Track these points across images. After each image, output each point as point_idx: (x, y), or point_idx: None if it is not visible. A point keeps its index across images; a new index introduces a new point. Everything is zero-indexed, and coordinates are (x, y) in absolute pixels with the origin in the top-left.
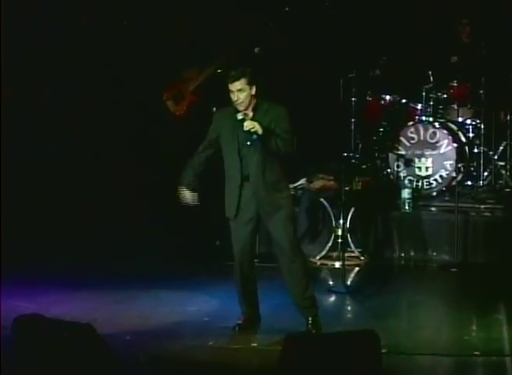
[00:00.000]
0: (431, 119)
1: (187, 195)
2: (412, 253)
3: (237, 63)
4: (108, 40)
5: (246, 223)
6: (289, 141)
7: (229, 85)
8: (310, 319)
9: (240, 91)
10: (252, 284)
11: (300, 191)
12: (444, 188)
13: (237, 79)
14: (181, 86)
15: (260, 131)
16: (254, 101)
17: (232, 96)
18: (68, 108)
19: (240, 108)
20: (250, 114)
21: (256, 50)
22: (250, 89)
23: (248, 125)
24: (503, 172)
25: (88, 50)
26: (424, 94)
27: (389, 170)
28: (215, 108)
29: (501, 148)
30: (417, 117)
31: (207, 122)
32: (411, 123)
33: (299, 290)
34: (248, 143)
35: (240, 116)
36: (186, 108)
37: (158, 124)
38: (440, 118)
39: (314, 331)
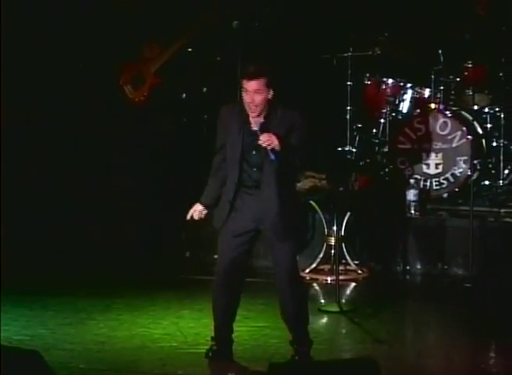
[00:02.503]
0: (441, 106)
1: (198, 211)
2: (419, 266)
3: (210, 40)
4: (51, 9)
5: (239, 236)
6: (303, 154)
7: (245, 83)
8: (297, 351)
9: (257, 93)
10: (234, 306)
11: None
12: (457, 189)
13: (256, 77)
14: (141, 67)
15: (277, 147)
16: (267, 107)
17: (245, 97)
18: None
19: (253, 113)
20: (262, 120)
21: (234, 24)
22: (268, 92)
23: (265, 140)
24: None
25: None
26: (433, 77)
27: (391, 167)
28: (184, 95)
29: None
30: (424, 105)
31: (174, 111)
32: (418, 111)
33: (291, 320)
34: (253, 152)
35: (255, 127)
36: (148, 93)
37: (113, 114)
38: (452, 105)
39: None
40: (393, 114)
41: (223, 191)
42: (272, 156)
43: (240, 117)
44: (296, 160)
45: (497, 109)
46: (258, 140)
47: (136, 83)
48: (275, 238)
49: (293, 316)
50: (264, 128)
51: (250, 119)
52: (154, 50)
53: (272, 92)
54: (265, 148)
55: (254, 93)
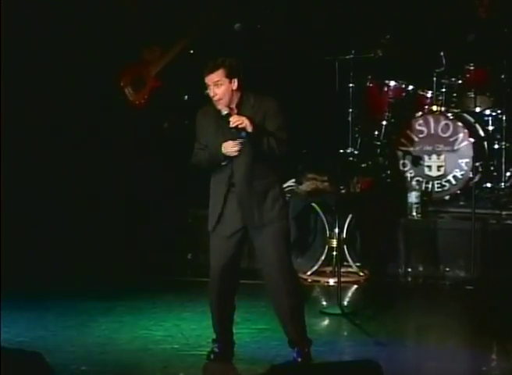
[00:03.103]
0: (443, 108)
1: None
2: (421, 268)
3: (211, 42)
4: (50, 11)
5: (229, 237)
6: (284, 139)
7: (205, 78)
8: (298, 353)
9: (217, 85)
10: (230, 307)
11: (287, 195)
12: (459, 191)
13: (213, 70)
14: (141, 70)
15: (249, 127)
16: (237, 97)
17: (208, 91)
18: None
19: (219, 105)
20: (235, 110)
21: (236, 27)
22: (231, 82)
23: (235, 121)
24: None
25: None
26: (435, 79)
27: (393, 170)
28: (186, 97)
29: None
30: (426, 107)
31: (176, 113)
32: (420, 113)
33: (288, 319)
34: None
35: (224, 111)
36: (148, 96)
37: (114, 116)
38: (454, 108)
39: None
40: (395, 117)
41: (211, 193)
42: (243, 134)
43: (215, 117)
44: (274, 147)
45: (499, 112)
46: (229, 126)
47: (136, 86)
48: (258, 236)
49: (289, 315)
50: (235, 113)
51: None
52: (155, 53)
53: (236, 82)
54: (237, 129)
55: (214, 86)
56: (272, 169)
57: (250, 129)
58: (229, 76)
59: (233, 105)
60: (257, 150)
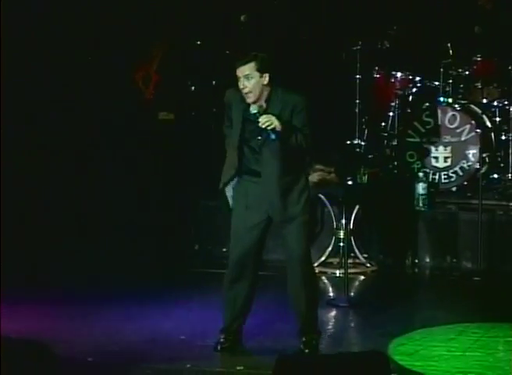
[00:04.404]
0: (450, 100)
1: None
2: (428, 259)
3: (217, 33)
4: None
5: (252, 228)
6: (308, 136)
7: (236, 70)
8: (306, 344)
9: (248, 78)
10: (247, 299)
11: None
12: (466, 182)
13: (244, 63)
14: (147, 66)
15: (279, 127)
16: (267, 92)
17: (239, 84)
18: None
19: (249, 99)
20: (264, 105)
21: (242, 18)
22: (262, 77)
23: (264, 122)
24: None
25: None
26: (442, 70)
27: (400, 161)
28: (193, 87)
29: None
30: (434, 98)
31: (183, 104)
32: (427, 104)
33: (302, 309)
34: (259, 138)
35: (253, 110)
36: (154, 90)
37: (124, 111)
38: (461, 99)
39: (307, 351)
40: (402, 108)
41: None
42: (273, 136)
43: (242, 104)
44: (302, 143)
45: (506, 103)
46: (258, 122)
47: (145, 82)
48: (284, 228)
49: (304, 304)
50: (264, 111)
51: (251, 106)
52: (159, 48)
53: (267, 77)
54: (266, 130)
55: (244, 79)
56: (298, 164)
57: (279, 129)
58: (260, 70)
59: (263, 101)
60: (285, 147)
